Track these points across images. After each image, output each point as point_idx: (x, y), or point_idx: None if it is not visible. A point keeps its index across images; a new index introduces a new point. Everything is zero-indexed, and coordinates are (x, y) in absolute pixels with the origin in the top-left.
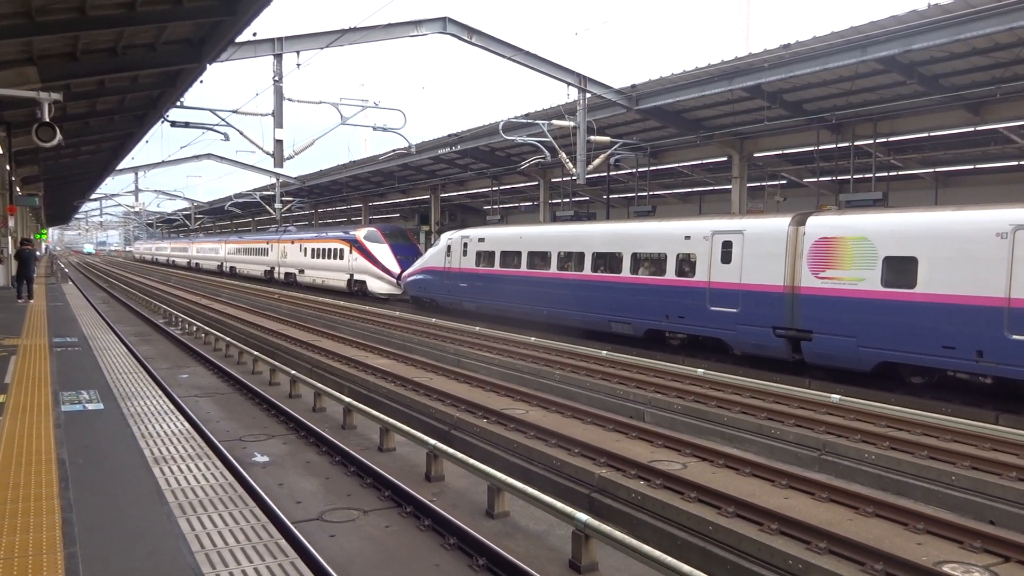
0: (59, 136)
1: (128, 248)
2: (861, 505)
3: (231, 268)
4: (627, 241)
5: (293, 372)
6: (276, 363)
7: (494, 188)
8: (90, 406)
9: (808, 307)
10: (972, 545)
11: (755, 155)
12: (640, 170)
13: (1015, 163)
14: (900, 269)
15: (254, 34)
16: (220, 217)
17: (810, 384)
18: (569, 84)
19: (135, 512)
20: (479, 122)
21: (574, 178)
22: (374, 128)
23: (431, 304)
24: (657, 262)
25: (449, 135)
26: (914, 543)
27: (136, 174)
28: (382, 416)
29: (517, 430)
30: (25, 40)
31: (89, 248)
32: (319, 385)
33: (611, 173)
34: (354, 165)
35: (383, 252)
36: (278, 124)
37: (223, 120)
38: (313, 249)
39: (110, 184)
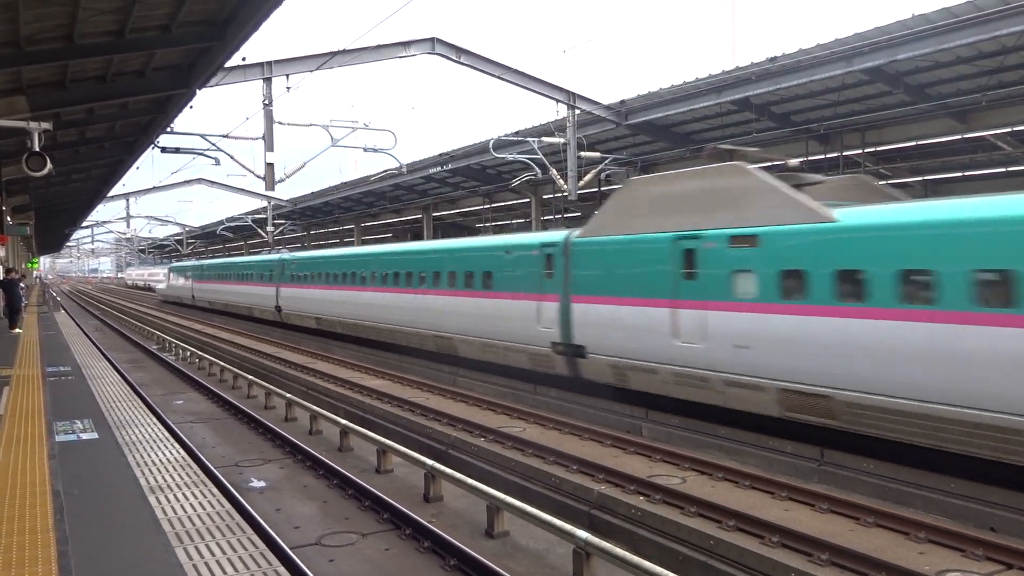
0: (49, 165)
1: (120, 275)
2: (862, 515)
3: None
4: None
5: (288, 395)
6: (271, 387)
7: (486, 206)
8: (84, 436)
9: None
10: (974, 553)
11: None
12: None
13: (1003, 169)
14: None
15: (243, 59)
16: (212, 241)
17: None
18: (558, 101)
19: (132, 543)
20: (470, 141)
21: (565, 194)
22: (365, 149)
23: None
24: None
25: (440, 154)
26: (916, 552)
27: (127, 200)
28: (379, 438)
29: (515, 448)
30: (14, 70)
31: None
32: (315, 408)
33: (602, 188)
34: (345, 186)
35: None
36: (269, 147)
37: (213, 145)
38: None
39: (101, 211)
